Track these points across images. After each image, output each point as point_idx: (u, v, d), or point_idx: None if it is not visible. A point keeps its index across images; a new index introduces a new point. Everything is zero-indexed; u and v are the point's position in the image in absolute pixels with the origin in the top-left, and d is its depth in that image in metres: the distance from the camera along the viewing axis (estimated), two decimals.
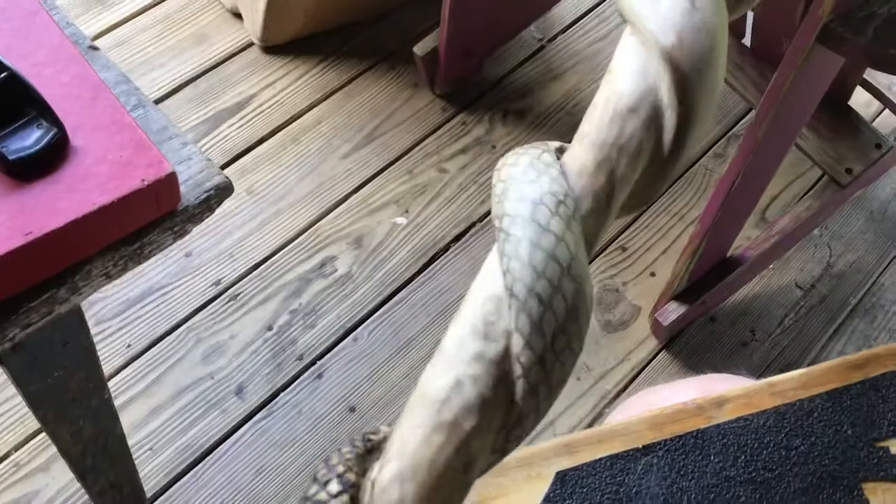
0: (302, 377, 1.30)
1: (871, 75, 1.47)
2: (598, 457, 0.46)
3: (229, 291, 1.36)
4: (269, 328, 1.34)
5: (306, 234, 1.43)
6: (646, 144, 0.32)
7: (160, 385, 1.28)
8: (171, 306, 1.34)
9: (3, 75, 0.54)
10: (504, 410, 0.29)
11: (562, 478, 0.45)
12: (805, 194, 1.54)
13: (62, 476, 1.18)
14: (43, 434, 1.21)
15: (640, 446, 0.47)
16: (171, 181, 0.55)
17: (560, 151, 0.34)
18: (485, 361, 0.28)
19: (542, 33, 1.71)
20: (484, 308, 0.29)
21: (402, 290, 1.40)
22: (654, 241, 1.50)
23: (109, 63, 0.62)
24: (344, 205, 1.46)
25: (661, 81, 0.30)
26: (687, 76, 0.30)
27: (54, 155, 0.54)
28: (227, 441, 1.24)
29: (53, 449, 1.20)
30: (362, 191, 1.48)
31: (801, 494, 0.46)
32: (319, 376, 1.31)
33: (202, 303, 1.35)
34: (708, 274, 1.34)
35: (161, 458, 1.22)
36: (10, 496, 1.18)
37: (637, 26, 0.31)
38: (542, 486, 0.45)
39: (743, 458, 0.47)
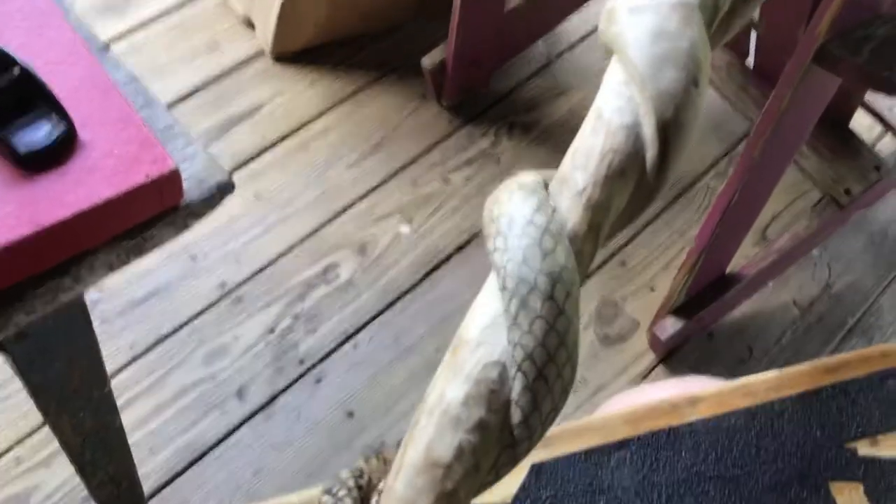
0: (302, 381, 1.32)
1: (873, 99, 1.48)
2: (573, 450, 0.48)
3: (233, 294, 1.38)
4: (272, 331, 1.36)
5: (311, 239, 1.45)
6: (629, 177, 0.33)
7: (162, 385, 1.29)
8: (175, 307, 1.36)
9: (16, 71, 0.56)
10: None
11: (537, 470, 0.47)
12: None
13: (63, 471, 1.20)
14: (44, 430, 1.23)
15: (615, 441, 0.48)
16: (173, 177, 0.57)
17: (545, 184, 0.35)
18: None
19: (549, 49, 1.73)
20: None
21: (403, 298, 1.42)
22: (654, 257, 1.52)
23: (119, 63, 0.64)
24: (349, 212, 1.48)
25: (644, 118, 0.32)
26: (667, 116, 0.31)
27: (62, 149, 0.56)
28: (227, 441, 1.26)
29: (54, 445, 1.22)
30: (367, 199, 1.50)
31: (770, 491, 0.48)
32: (319, 380, 1.32)
33: (206, 304, 1.37)
34: (706, 290, 1.35)
35: (161, 457, 1.24)
36: (10, 490, 1.19)
37: (622, 59, 0.33)
38: (517, 477, 0.46)
39: (713, 455, 0.48)
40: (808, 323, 1.47)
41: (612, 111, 0.32)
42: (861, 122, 1.60)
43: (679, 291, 1.31)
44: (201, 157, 0.62)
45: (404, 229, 1.48)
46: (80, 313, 0.70)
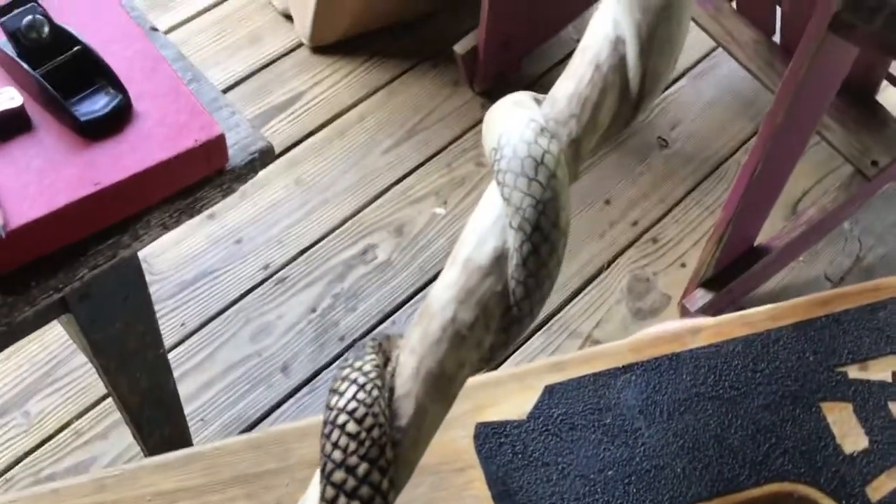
0: (343, 357, 1.38)
1: None
2: (582, 374, 0.52)
3: (277, 275, 1.45)
4: (313, 310, 1.41)
5: (350, 222, 1.51)
6: (612, 81, 0.38)
7: (211, 361, 1.36)
8: (222, 289, 1.43)
9: (76, 48, 0.62)
10: (503, 332, 0.36)
11: (550, 390, 0.51)
12: None
13: (120, 443, 1.27)
14: (102, 405, 1.30)
15: (621, 366, 0.53)
16: (220, 142, 0.63)
17: (537, 100, 0.41)
18: (485, 288, 0.35)
19: (579, 33, 1.77)
20: (489, 238, 0.35)
21: (438, 276, 1.46)
22: (686, 234, 1.55)
23: (168, 42, 0.70)
24: (386, 195, 1.54)
25: (626, 32, 0.36)
26: (649, 32, 0.36)
27: (119, 118, 0.62)
28: (273, 414, 1.32)
29: (112, 418, 1.30)
30: (403, 182, 1.56)
31: (764, 410, 0.52)
32: None
33: (251, 286, 1.43)
34: (734, 262, 1.38)
35: (211, 429, 1.30)
36: (70, 461, 1.27)
37: None
38: (532, 397, 0.51)
39: (712, 377, 0.52)
40: None
41: (598, 28, 0.37)
42: (889, 100, 1.62)
43: (708, 263, 1.34)
44: (244, 126, 0.67)
45: (439, 211, 1.53)
46: (137, 279, 0.76)
